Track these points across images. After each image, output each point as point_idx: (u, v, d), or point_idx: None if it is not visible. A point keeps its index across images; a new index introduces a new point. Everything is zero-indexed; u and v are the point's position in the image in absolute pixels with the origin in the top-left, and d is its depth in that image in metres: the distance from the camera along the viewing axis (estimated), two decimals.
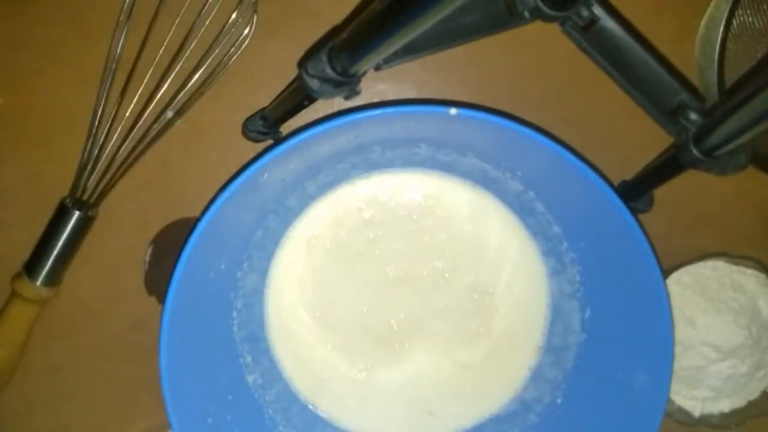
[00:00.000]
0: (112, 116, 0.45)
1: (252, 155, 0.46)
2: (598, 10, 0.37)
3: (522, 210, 0.45)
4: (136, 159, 0.46)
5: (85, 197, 0.46)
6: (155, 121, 0.45)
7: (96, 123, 0.45)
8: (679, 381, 0.45)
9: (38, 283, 0.44)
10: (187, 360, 0.39)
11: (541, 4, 0.36)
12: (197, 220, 0.38)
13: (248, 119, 0.45)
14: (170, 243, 0.46)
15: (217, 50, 0.45)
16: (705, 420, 0.46)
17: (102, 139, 0.45)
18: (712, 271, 0.45)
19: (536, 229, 0.45)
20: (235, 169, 0.41)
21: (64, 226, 0.44)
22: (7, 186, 0.47)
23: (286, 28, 0.46)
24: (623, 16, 0.39)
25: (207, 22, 0.45)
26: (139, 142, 0.45)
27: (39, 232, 0.45)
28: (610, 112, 0.46)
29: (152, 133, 0.46)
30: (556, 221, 0.43)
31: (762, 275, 0.45)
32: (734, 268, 0.46)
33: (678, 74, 0.40)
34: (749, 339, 0.44)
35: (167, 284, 0.37)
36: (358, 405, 0.45)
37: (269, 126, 0.44)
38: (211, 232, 0.38)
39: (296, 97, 0.39)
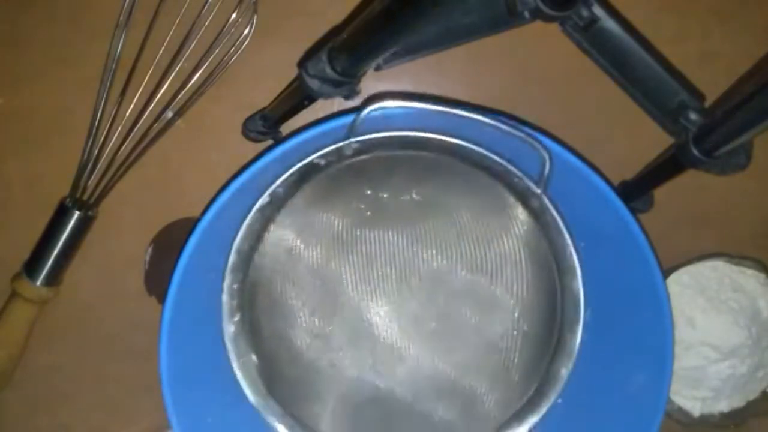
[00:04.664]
0: (112, 116, 0.45)
1: (252, 155, 0.46)
2: (598, 10, 0.37)
3: None
4: (136, 159, 0.46)
5: (85, 197, 0.46)
6: (155, 121, 0.45)
7: (96, 123, 0.45)
8: (678, 381, 0.45)
9: (38, 283, 0.44)
10: (186, 360, 0.39)
11: (541, 5, 0.36)
12: (197, 220, 0.38)
13: (248, 119, 0.45)
14: (170, 243, 0.46)
15: (217, 50, 0.45)
16: (705, 420, 0.46)
17: (102, 139, 0.45)
18: (712, 272, 0.45)
19: None
20: (235, 169, 0.41)
21: (64, 226, 0.44)
22: (7, 186, 0.47)
23: (286, 28, 0.46)
24: (623, 16, 0.39)
25: (207, 22, 0.45)
26: (139, 142, 0.45)
27: (39, 232, 0.45)
28: (610, 112, 0.46)
29: (152, 133, 0.46)
30: None
31: (762, 275, 0.45)
32: (734, 268, 0.46)
33: (678, 74, 0.40)
34: (749, 339, 0.44)
35: (167, 284, 0.37)
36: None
37: (269, 126, 0.44)
38: (211, 232, 0.38)
39: (296, 97, 0.39)
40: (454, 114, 0.36)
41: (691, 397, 0.46)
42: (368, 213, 0.42)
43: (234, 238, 0.39)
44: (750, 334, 0.45)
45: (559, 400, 0.44)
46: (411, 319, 0.43)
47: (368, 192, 0.41)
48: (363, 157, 0.38)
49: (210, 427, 0.40)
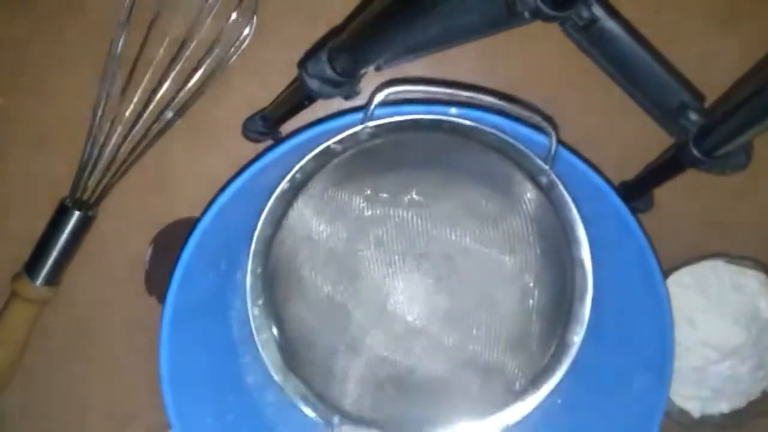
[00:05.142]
0: (112, 116, 0.45)
1: (252, 155, 0.46)
2: (598, 10, 0.37)
3: None
4: (136, 159, 0.46)
5: (85, 197, 0.46)
6: (155, 121, 0.45)
7: (96, 123, 0.45)
8: (679, 381, 0.45)
9: (38, 283, 0.44)
10: (187, 360, 0.39)
11: (540, 5, 0.36)
12: (197, 220, 0.38)
13: (248, 119, 0.45)
14: (170, 243, 0.46)
15: (217, 50, 0.45)
16: (705, 421, 0.46)
17: (102, 139, 0.45)
18: (713, 272, 0.45)
19: None
20: (235, 170, 0.41)
21: (64, 226, 0.44)
22: (7, 186, 0.47)
23: (286, 28, 0.46)
24: (623, 16, 0.39)
25: (207, 23, 0.45)
26: (139, 142, 0.46)
27: (39, 232, 0.45)
28: (610, 112, 0.46)
29: (152, 133, 0.46)
30: None
31: (762, 275, 0.45)
32: (734, 268, 0.46)
33: (678, 74, 0.40)
34: (749, 339, 0.44)
35: (167, 284, 0.37)
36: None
37: (269, 126, 0.44)
38: (211, 232, 0.38)
39: (296, 98, 0.39)
40: (463, 96, 0.37)
41: (691, 397, 0.46)
42: (383, 194, 0.42)
43: (256, 223, 0.39)
44: (750, 334, 0.44)
45: (559, 401, 0.44)
46: (428, 297, 0.43)
47: (383, 174, 0.42)
48: (377, 141, 0.39)
49: (210, 428, 0.40)
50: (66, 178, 0.45)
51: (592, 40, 0.38)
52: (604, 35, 0.38)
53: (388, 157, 0.41)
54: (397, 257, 0.43)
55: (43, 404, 0.48)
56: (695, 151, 0.37)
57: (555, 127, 0.37)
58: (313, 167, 0.39)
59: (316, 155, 0.38)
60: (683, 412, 0.46)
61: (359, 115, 0.37)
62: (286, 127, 0.45)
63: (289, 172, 0.39)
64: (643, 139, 0.43)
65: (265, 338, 0.41)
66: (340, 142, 0.38)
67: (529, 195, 0.41)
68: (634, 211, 0.39)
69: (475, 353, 0.43)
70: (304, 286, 0.43)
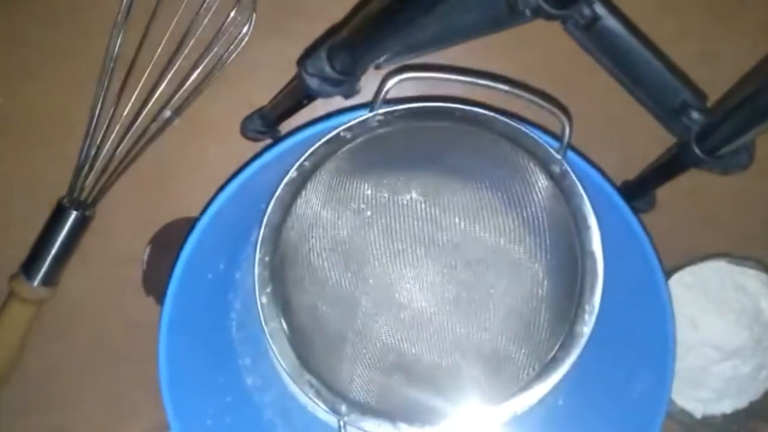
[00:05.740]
0: (109, 116, 0.45)
1: (251, 154, 0.45)
2: (599, 9, 0.37)
3: None
4: (134, 158, 0.46)
5: (82, 197, 0.45)
6: (153, 120, 0.45)
7: (94, 122, 0.45)
8: (681, 382, 0.45)
9: (36, 283, 0.44)
10: (185, 361, 0.39)
11: (542, 3, 0.36)
12: (196, 220, 0.37)
13: (247, 118, 0.45)
14: (168, 243, 0.45)
15: (216, 49, 0.45)
16: (707, 421, 0.46)
17: (100, 138, 0.45)
18: (715, 272, 0.45)
19: None
20: (233, 169, 0.40)
21: (62, 226, 0.44)
22: (5, 186, 0.47)
23: (285, 26, 0.46)
24: (625, 15, 0.39)
25: (205, 21, 0.45)
26: (137, 141, 0.45)
27: (37, 232, 0.45)
28: (611, 111, 0.46)
29: (150, 132, 0.45)
30: None
31: (764, 276, 0.45)
32: (736, 268, 0.45)
33: (680, 73, 0.40)
34: (751, 340, 0.44)
35: (165, 284, 0.37)
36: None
37: (268, 125, 0.44)
38: (209, 233, 0.38)
39: (295, 96, 0.39)
40: (477, 83, 0.36)
41: (693, 398, 0.45)
42: (392, 183, 0.42)
43: (264, 211, 0.39)
44: (752, 334, 0.44)
45: (560, 401, 0.43)
46: (436, 285, 0.43)
47: (392, 163, 0.42)
48: (387, 129, 0.38)
49: (209, 430, 0.40)
50: (64, 177, 0.45)
51: (593, 38, 0.38)
52: (605, 34, 0.38)
53: (397, 146, 0.40)
54: (405, 245, 0.43)
55: (41, 404, 0.48)
56: (697, 151, 0.36)
57: (569, 116, 0.37)
58: (322, 155, 0.38)
59: (326, 143, 0.38)
60: (685, 413, 0.46)
61: (360, 113, 0.37)
62: (285, 126, 0.45)
63: (296, 161, 0.38)
64: (644, 139, 0.43)
65: (273, 327, 0.40)
66: (349, 129, 0.37)
67: (540, 184, 0.40)
68: (636, 211, 0.39)
69: (483, 342, 0.43)
70: (312, 274, 0.42)
